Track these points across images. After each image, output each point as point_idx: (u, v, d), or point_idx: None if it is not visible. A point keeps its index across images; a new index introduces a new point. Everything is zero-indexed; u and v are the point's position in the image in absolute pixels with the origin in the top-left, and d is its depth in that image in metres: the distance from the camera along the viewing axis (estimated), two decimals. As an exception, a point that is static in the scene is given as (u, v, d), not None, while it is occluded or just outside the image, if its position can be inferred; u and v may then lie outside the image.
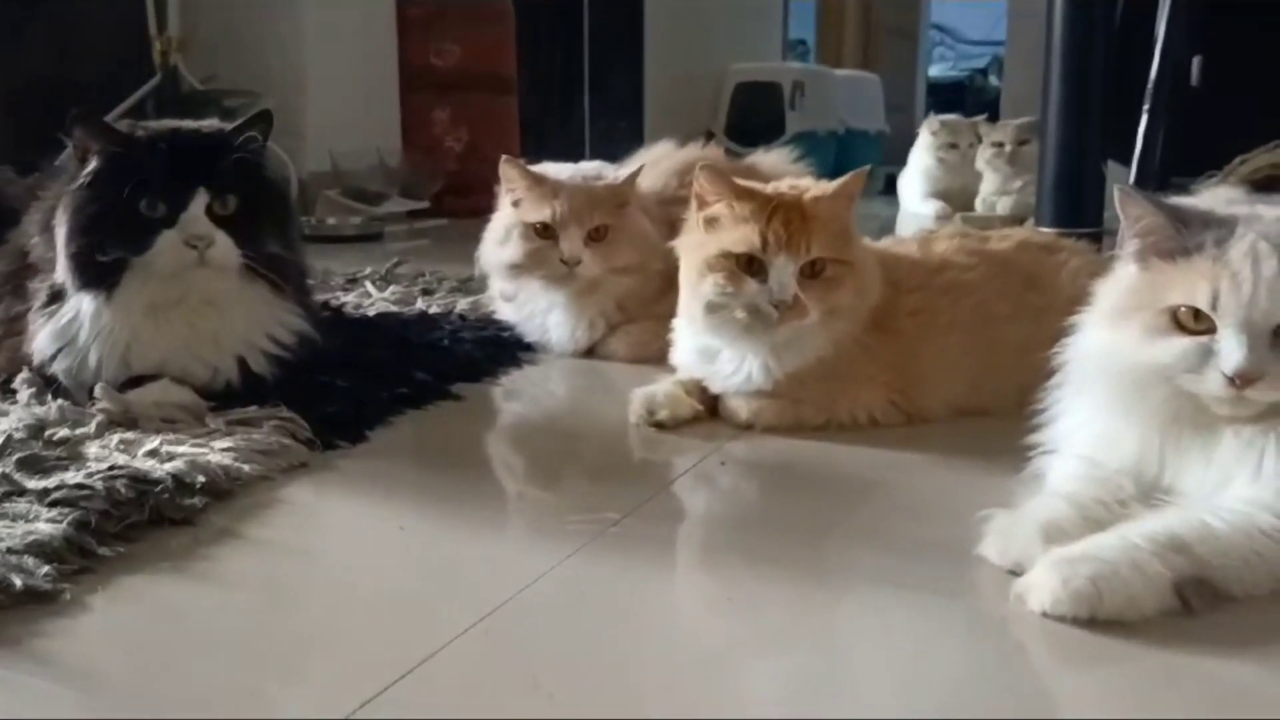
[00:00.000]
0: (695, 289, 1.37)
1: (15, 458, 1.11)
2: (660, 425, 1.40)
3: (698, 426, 1.41)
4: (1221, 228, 0.96)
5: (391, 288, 2.21)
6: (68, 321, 1.36)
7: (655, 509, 1.15)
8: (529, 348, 1.83)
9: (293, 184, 3.23)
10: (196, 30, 3.51)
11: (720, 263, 1.34)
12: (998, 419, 1.37)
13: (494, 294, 1.94)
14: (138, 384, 1.35)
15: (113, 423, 1.26)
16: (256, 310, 1.42)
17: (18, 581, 0.89)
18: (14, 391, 1.35)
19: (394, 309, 2.04)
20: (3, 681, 0.79)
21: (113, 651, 0.85)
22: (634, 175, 1.79)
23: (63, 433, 1.20)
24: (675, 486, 1.23)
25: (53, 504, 1.02)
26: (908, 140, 4.23)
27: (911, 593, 0.95)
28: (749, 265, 1.33)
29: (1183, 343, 0.95)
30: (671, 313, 1.55)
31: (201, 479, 1.11)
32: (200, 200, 1.34)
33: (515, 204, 1.76)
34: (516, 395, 1.64)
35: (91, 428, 1.23)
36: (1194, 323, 0.94)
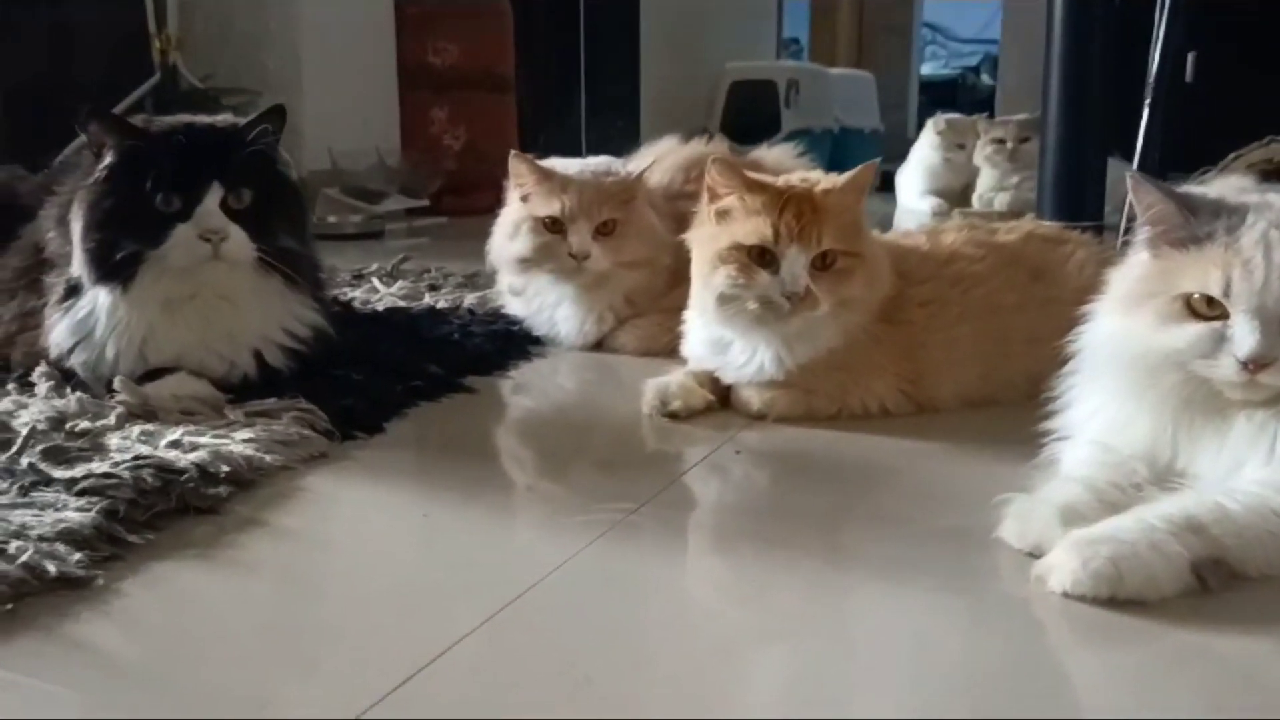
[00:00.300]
0: (707, 281, 1.38)
1: (39, 448, 1.12)
2: (673, 416, 1.41)
3: (710, 417, 1.43)
4: (1232, 215, 0.97)
5: (398, 283, 2.22)
6: (84, 315, 1.37)
7: (672, 497, 1.17)
8: (538, 341, 1.84)
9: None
10: (195, 29, 3.51)
11: (732, 255, 1.35)
12: (1007, 409, 1.39)
13: (502, 288, 1.96)
14: (155, 377, 1.36)
15: (132, 415, 1.27)
16: (271, 304, 1.43)
17: (51, 568, 0.90)
18: (32, 385, 1.36)
19: (402, 304, 2.05)
20: (43, 664, 0.80)
21: (146, 636, 0.86)
22: (644, 171, 1.80)
23: (84, 424, 1.21)
24: (690, 475, 1.25)
25: (80, 493, 1.03)
26: (901, 138, 4.25)
27: (932, 576, 0.96)
28: (761, 257, 1.34)
29: (1196, 328, 0.96)
30: (679, 306, 1.56)
31: (225, 469, 1.12)
32: (215, 194, 1.35)
33: (524, 199, 1.77)
34: (527, 388, 1.66)
35: (112, 419, 1.24)
36: (1207, 309, 0.96)
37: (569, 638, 0.85)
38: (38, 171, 1.75)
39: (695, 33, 5.57)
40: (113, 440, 1.18)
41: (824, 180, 1.39)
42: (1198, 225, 0.98)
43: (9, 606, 0.86)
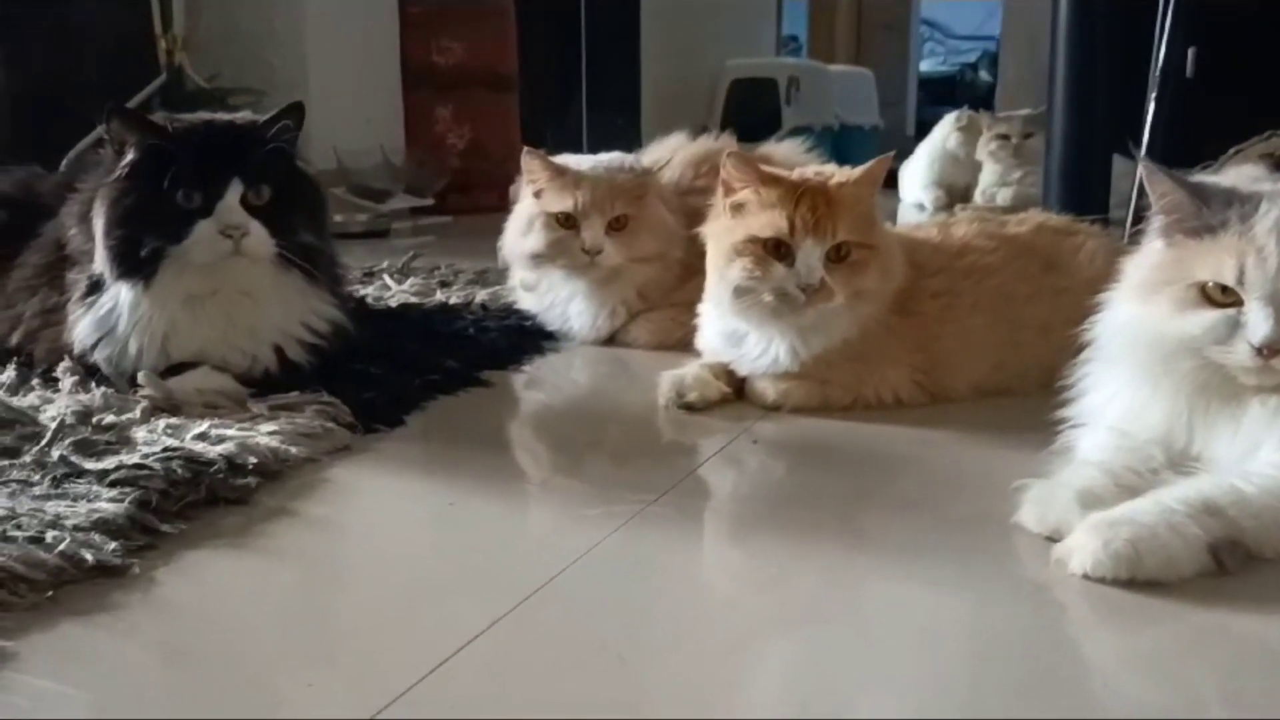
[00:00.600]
0: (723, 274, 1.40)
1: (69, 441, 1.13)
2: (689, 407, 1.43)
3: (726, 409, 1.45)
4: (1245, 204, 0.99)
5: (410, 280, 2.24)
6: (107, 311, 1.39)
7: (691, 488, 1.19)
8: (551, 336, 1.86)
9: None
10: (200, 29, 3.52)
11: (748, 247, 1.37)
12: (1020, 398, 1.41)
13: (515, 284, 1.97)
14: (177, 372, 1.37)
15: (157, 409, 1.29)
16: (291, 299, 1.44)
17: (89, 557, 0.91)
18: (56, 380, 1.37)
19: (414, 300, 2.07)
20: (86, 648, 0.82)
21: (184, 624, 0.87)
22: (662, 166, 1.82)
23: (110, 418, 1.23)
24: (708, 466, 1.26)
25: (112, 484, 1.04)
26: (900, 135, 4.27)
27: (950, 561, 0.98)
28: (776, 250, 1.36)
29: (1210, 315, 0.98)
30: (691, 301, 1.58)
31: (253, 460, 1.13)
32: (235, 190, 1.36)
33: (537, 195, 1.78)
34: (543, 382, 1.67)
35: (137, 413, 1.26)
36: (1221, 296, 0.98)
37: (598, 621, 0.86)
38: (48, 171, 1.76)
39: (695, 31, 5.59)
40: (139, 433, 1.20)
41: (838, 173, 1.41)
42: (1210, 214, 1.00)
43: (49, 594, 0.87)
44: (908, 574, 0.97)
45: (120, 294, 1.38)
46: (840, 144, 5.15)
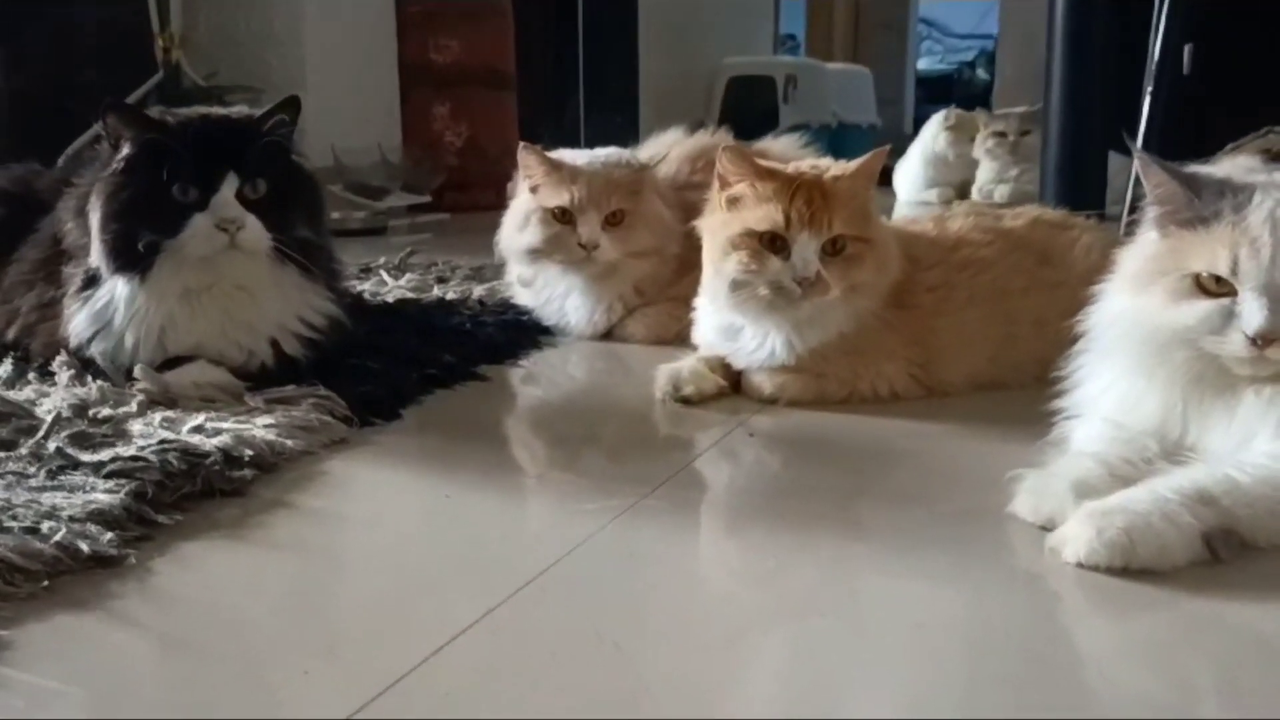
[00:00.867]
0: (719, 267, 1.40)
1: (65, 434, 1.13)
2: (686, 400, 1.43)
3: (722, 402, 1.45)
4: (1239, 195, 0.99)
5: (406, 276, 2.24)
6: (103, 305, 1.39)
7: (688, 479, 1.19)
8: (548, 331, 1.86)
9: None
10: (197, 27, 3.52)
11: (744, 241, 1.37)
12: (1015, 391, 1.42)
13: (512, 279, 1.97)
14: (173, 366, 1.37)
15: (153, 402, 1.29)
16: (288, 294, 1.44)
17: (85, 547, 0.91)
18: (52, 374, 1.37)
19: (411, 296, 2.07)
20: (82, 638, 0.82)
21: (180, 614, 0.87)
22: (658, 162, 1.82)
23: (106, 411, 1.23)
24: (704, 459, 1.26)
25: (108, 475, 1.05)
26: (898, 133, 4.27)
27: (945, 552, 0.98)
28: (772, 243, 1.36)
29: (1205, 305, 0.98)
30: (687, 295, 1.58)
31: (249, 452, 1.13)
32: (230, 184, 1.36)
33: (534, 190, 1.79)
34: (540, 376, 1.67)
35: (133, 406, 1.26)
36: (1216, 286, 0.98)
37: (594, 610, 0.86)
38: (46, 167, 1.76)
39: (693, 29, 5.60)
40: (135, 426, 1.20)
41: (834, 167, 1.41)
42: (1203, 205, 1.00)
43: (45, 584, 0.87)
44: (903, 565, 0.97)
45: (116, 288, 1.38)
46: (838, 142, 5.15)
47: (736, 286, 1.38)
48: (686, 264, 1.72)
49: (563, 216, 1.76)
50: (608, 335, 1.85)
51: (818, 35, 7.60)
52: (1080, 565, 0.90)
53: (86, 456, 1.09)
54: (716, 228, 1.41)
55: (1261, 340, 0.95)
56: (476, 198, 3.62)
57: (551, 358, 1.76)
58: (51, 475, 1.06)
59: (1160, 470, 0.98)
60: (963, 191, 3.80)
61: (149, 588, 0.90)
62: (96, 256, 1.38)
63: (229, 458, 1.12)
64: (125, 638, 0.83)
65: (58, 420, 1.17)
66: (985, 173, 3.66)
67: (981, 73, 8.40)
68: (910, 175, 4.02)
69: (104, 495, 1.00)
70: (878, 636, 0.85)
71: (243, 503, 1.08)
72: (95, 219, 1.37)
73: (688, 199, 1.81)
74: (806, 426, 1.37)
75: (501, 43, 4.06)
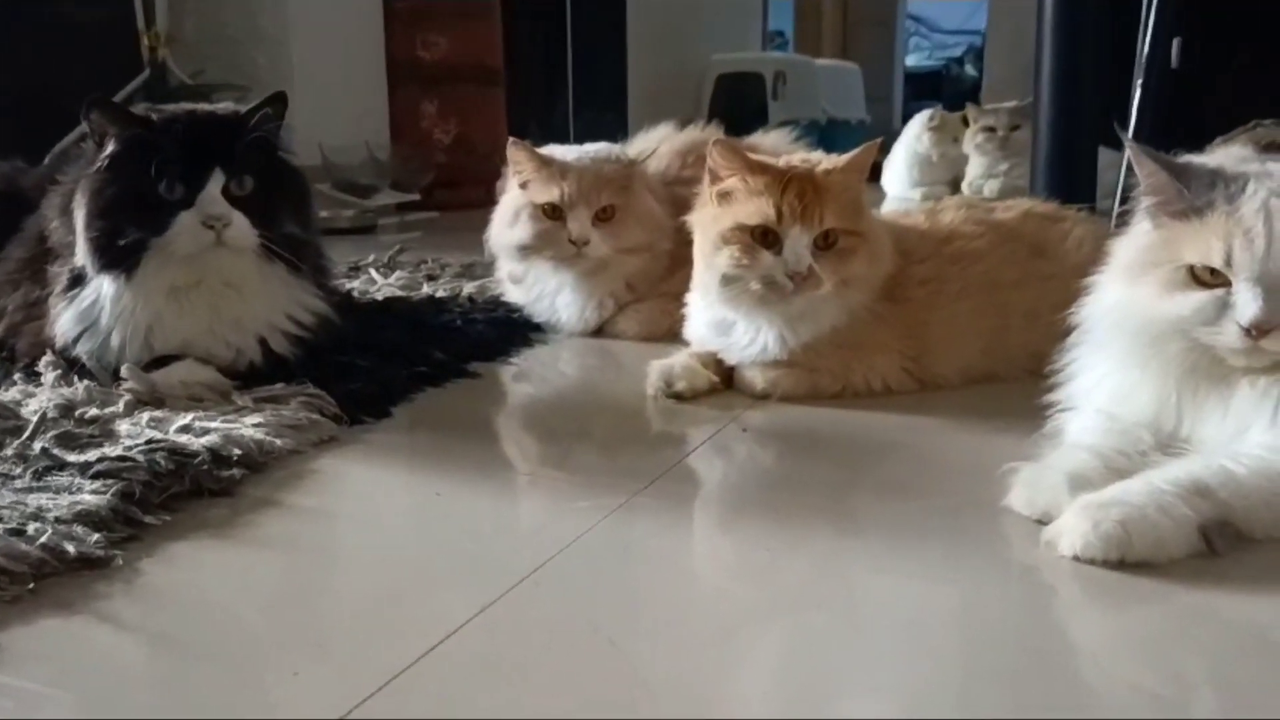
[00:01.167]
0: (710, 262, 1.39)
1: (51, 434, 1.12)
2: (678, 396, 1.42)
3: (714, 398, 1.44)
4: (1231, 185, 0.99)
5: (396, 274, 2.23)
6: (89, 304, 1.37)
7: (681, 474, 1.18)
8: (539, 328, 1.85)
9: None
10: (184, 25, 3.50)
11: (735, 235, 1.36)
12: (1008, 384, 1.42)
13: (502, 276, 1.96)
14: (161, 364, 1.36)
15: (140, 402, 1.28)
16: (276, 291, 1.43)
17: (71, 549, 0.90)
18: (38, 374, 1.36)
19: (401, 294, 2.06)
20: (68, 640, 0.81)
21: (165, 614, 0.86)
22: (646, 157, 1.81)
23: (93, 411, 1.22)
24: (698, 454, 1.26)
25: (95, 476, 1.03)
26: (887, 129, 4.27)
27: (940, 545, 0.97)
28: (764, 238, 1.35)
29: (1199, 296, 0.98)
30: (679, 291, 1.57)
31: (237, 452, 1.12)
32: (217, 181, 1.35)
33: (523, 186, 1.78)
34: (531, 373, 1.66)
35: (120, 406, 1.25)
36: (1210, 277, 0.98)
37: (589, 608, 0.86)
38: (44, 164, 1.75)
39: (682, 26, 5.59)
40: (123, 426, 1.19)
41: (825, 160, 1.40)
42: (1194, 196, 0.99)
43: (30, 586, 0.86)
44: (898, 559, 0.96)
45: (102, 287, 1.36)
46: (827, 139, 5.15)
47: (728, 281, 1.37)
48: (677, 259, 1.71)
49: (553, 212, 1.75)
50: (599, 332, 1.84)
51: (806, 32, 7.60)
52: (1076, 559, 0.89)
53: (73, 457, 1.08)
54: (708, 222, 1.40)
55: (1256, 331, 0.95)
56: (466, 195, 3.61)
57: (543, 355, 1.75)
58: (38, 476, 1.05)
59: (1155, 462, 0.98)
60: (953, 189, 3.80)
61: (137, 589, 0.89)
62: (82, 255, 1.36)
63: (217, 457, 1.11)
64: (113, 640, 0.82)
65: (44, 420, 1.15)
66: (975, 168, 3.66)
67: (970, 69, 8.41)
68: (895, 174, 4.01)
69: (91, 496, 0.99)
70: (873, 631, 0.84)
71: (231, 502, 1.07)
72: (80, 217, 1.36)
73: (678, 194, 1.80)
74: (799, 421, 1.36)
75: (490, 39, 4.04)
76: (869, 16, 7.73)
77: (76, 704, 0.74)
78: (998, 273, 1.46)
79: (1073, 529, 0.90)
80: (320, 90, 3.58)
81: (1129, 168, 1.08)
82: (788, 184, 1.34)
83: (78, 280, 1.38)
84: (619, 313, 1.83)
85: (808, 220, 1.33)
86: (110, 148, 1.36)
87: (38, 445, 1.10)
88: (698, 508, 1.12)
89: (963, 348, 1.44)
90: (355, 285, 2.12)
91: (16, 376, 1.38)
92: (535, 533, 1.03)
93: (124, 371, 1.32)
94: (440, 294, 2.06)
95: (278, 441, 1.18)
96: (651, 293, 1.82)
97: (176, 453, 1.09)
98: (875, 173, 4.24)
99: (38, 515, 0.95)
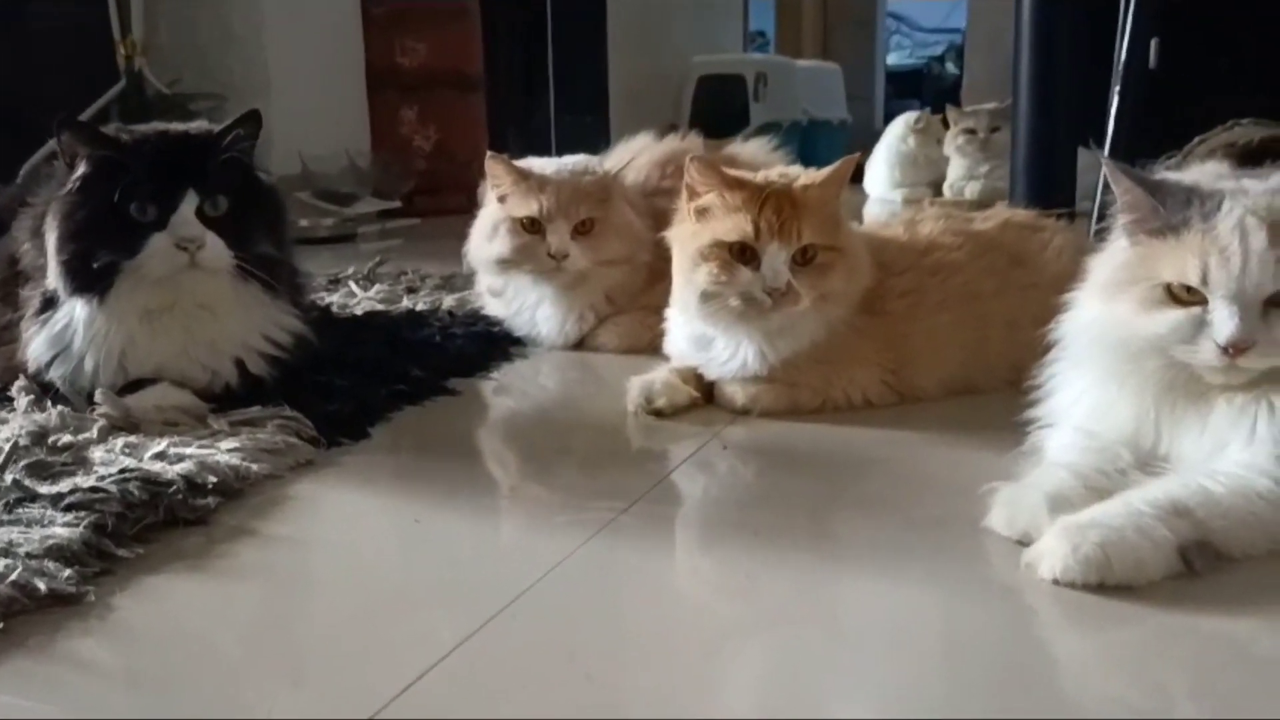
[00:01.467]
0: (689, 278, 1.38)
1: (22, 464, 1.11)
2: (659, 413, 1.42)
3: (695, 413, 1.44)
4: (1206, 203, 0.98)
5: (376, 287, 2.22)
6: (62, 328, 1.36)
7: (662, 494, 1.17)
8: (519, 342, 1.84)
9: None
10: (160, 34, 3.48)
11: (713, 252, 1.36)
12: (989, 396, 1.42)
13: (482, 289, 1.95)
14: (136, 388, 1.35)
15: (115, 427, 1.26)
16: (251, 312, 1.42)
17: (42, 586, 0.89)
18: (11, 399, 1.34)
19: (380, 308, 2.05)
20: (38, 683, 0.79)
21: (140, 651, 0.85)
22: (621, 169, 1.80)
23: (66, 438, 1.20)
24: (678, 473, 1.25)
25: (67, 508, 1.02)
26: (868, 129, 4.27)
27: (921, 564, 0.97)
28: (742, 254, 1.35)
29: (1176, 314, 0.98)
30: (659, 304, 1.57)
31: (212, 479, 1.11)
32: (190, 202, 1.34)
33: (502, 199, 1.77)
34: (512, 389, 1.66)
35: (94, 432, 1.23)
36: (1187, 295, 0.98)
37: (567, 638, 0.85)
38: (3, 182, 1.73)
39: (662, 27, 5.58)
40: (96, 454, 1.17)
41: (803, 176, 1.40)
42: (1169, 214, 0.99)
43: (0, 626, 0.85)
44: (879, 577, 0.96)
45: (75, 310, 1.35)
46: (809, 139, 5.15)
47: (707, 298, 1.36)
48: (657, 272, 1.70)
49: (531, 226, 1.74)
50: (580, 345, 1.83)
51: (787, 32, 7.60)
52: (1056, 582, 0.89)
53: (45, 488, 1.06)
54: (686, 238, 1.40)
55: (1233, 349, 0.95)
56: (447, 201, 3.59)
57: (523, 369, 1.75)
58: (8, 509, 1.03)
59: (1134, 480, 0.98)
60: (935, 190, 3.81)
61: (110, 625, 0.88)
62: (54, 278, 1.35)
63: (192, 485, 1.09)
64: (87, 679, 0.81)
65: (15, 449, 1.14)
66: (955, 170, 3.67)
67: (951, 67, 8.42)
68: (877, 175, 4.02)
69: (62, 529, 0.98)
70: (853, 650, 0.84)
71: (207, 531, 1.06)
72: (52, 240, 1.34)
73: (657, 205, 1.80)
74: (780, 437, 1.36)
75: (469, 44, 4.03)
76: (849, 15, 7.73)
77: (47, 749, 0.73)
78: (977, 283, 1.46)
79: (1052, 552, 0.90)
80: (299, 98, 3.56)
81: (1107, 184, 1.08)
82: (765, 200, 1.34)
83: (50, 303, 1.37)
84: (599, 325, 1.82)
85: (785, 236, 1.33)
86: (81, 169, 1.35)
87: (9, 476, 1.08)
88: (677, 531, 1.12)
89: (943, 360, 1.44)
90: (334, 299, 2.11)
91: (-11, 402, 1.36)
92: (515, 558, 1.02)
93: (98, 396, 1.31)
94: (420, 307, 2.05)
95: (254, 467, 1.17)
96: (632, 305, 1.81)
97: (150, 482, 1.08)
98: (857, 173, 4.25)
99: (8, 550, 0.93)
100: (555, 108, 4.84)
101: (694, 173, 1.38)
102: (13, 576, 0.89)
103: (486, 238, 1.79)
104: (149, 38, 3.40)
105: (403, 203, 3.69)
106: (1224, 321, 0.95)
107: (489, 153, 1.78)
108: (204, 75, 3.44)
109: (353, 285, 2.24)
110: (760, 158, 1.98)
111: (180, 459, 1.15)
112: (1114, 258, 1.05)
